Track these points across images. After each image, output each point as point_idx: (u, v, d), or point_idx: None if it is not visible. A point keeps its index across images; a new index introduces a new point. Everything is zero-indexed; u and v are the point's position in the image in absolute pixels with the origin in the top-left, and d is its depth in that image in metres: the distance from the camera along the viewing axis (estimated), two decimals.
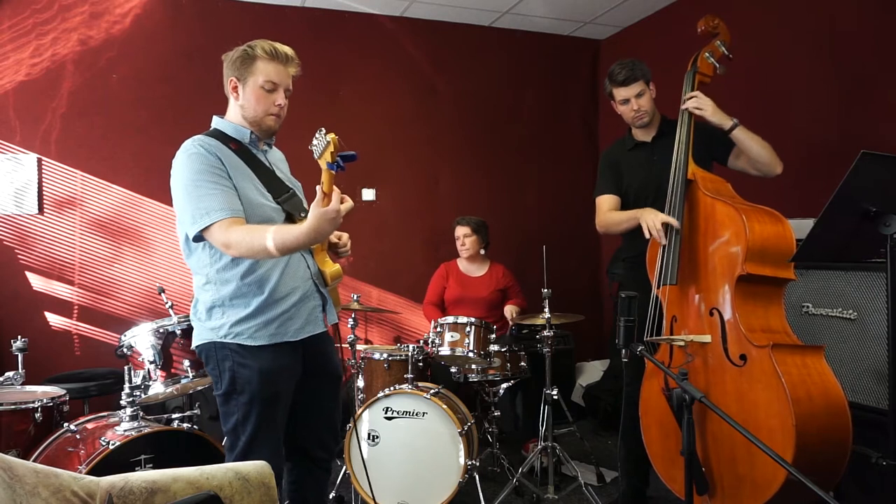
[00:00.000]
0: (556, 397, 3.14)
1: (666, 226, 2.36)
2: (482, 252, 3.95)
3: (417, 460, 2.95)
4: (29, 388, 2.74)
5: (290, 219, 2.02)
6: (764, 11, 3.62)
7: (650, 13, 4.48)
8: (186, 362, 2.64)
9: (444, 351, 3.23)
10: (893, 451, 1.93)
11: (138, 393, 2.54)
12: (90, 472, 2.08)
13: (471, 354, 3.19)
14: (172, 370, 2.65)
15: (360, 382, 3.37)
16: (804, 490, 1.37)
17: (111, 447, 2.24)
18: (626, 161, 2.79)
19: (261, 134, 2.08)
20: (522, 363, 3.45)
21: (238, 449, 2.01)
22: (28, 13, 3.80)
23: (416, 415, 2.98)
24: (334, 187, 1.79)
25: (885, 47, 3.03)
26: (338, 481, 3.16)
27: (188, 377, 2.64)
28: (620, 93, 2.67)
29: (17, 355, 2.81)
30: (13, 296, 3.76)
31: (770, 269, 2.15)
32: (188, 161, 1.92)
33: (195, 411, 2.74)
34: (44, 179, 3.83)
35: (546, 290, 3.10)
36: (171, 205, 2.00)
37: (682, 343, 2.27)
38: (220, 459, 2.35)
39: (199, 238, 1.92)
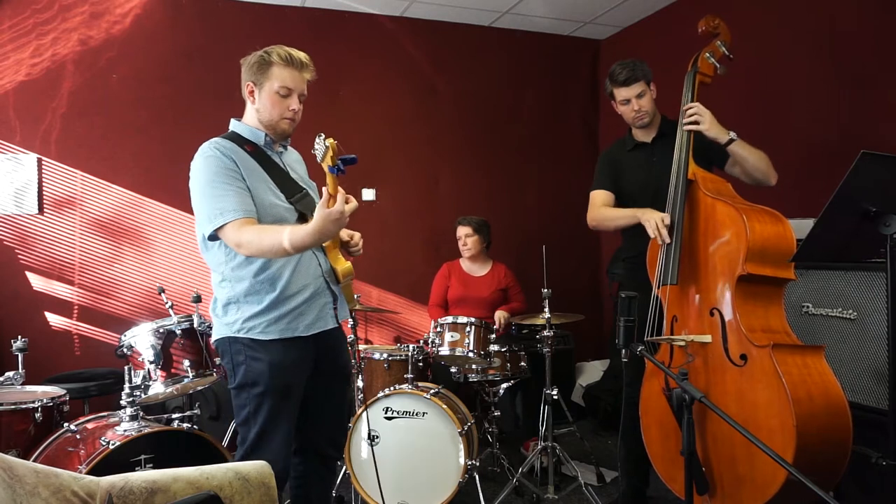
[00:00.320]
0: (556, 397, 3.14)
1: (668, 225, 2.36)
2: (484, 252, 3.95)
3: (417, 460, 2.95)
4: (29, 388, 2.74)
5: (303, 218, 2.07)
6: (764, 11, 3.62)
7: (650, 13, 4.48)
8: (186, 362, 2.65)
9: (444, 351, 3.23)
10: (893, 451, 1.93)
11: (138, 393, 2.54)
12: (90, 472, 2.08)
13: (471, 354, 3.19)
14: (172, 370, 2.65)
15: (360, 382, 3.36)
16: (804, 490, 1.37)
17: (111, 447, 2.24)
18: (626, 161, 2.78)
19: (275, 137, 2.14)
20: (522, 363, 3.45)
21: (248, 441, 2.06)
22: (28, 13, 3.80)
23: (416, 415, 2.98)
24: (339, 188, 1.83)
25: (885, 47, 3.03)
26: (338, 481, 3.16)
27: (188, 377, 2.64)
28: (621, 93, 2.67)
29: (17, 355, 2.80)
30: (13, 296, 3.75)
31: (770, 269, 2.15)
32: (205, 163, 2.00)
33: (195, 411, 2.74)
34: (44, 179, 3.83)
35: (546, 290, 3.10)
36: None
37: (682, 343, 2.27)
38: (221, 459, 2.35)
39: (214, 237, 2.00)
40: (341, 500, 3.13)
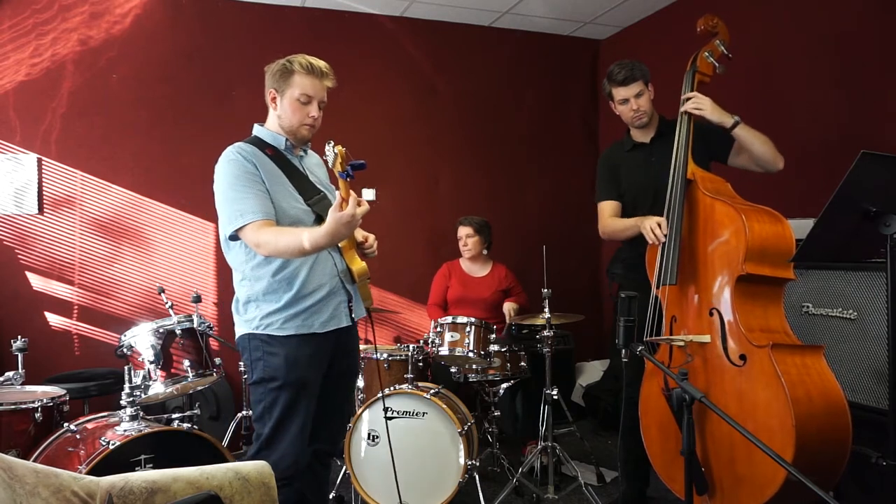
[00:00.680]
0: (556, 397, 3.14)
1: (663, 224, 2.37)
2: (485, 252, 3.95)
3: (417, 460, 2.95)
4: (29, 388, 2.74)
5: (320, 220, 2.12)
6: (764, 11, 3.62)
7: (650, 13, 4.48)
8: (186, 362, 2.65)
9: (444, 351, 3.23)
10: (893, 451, 1.93)
11: (138, 393, 2.54)
12: (90, 472, 2.08)
13: (471, 354, 3.19)
14: (172, 370, 2.65)
15: (360, 382, 3.37)
16: (804, 490, 1.37)
17: (111, 447, 2.24)
18: (625, 163, 2.79)
19: (295, 142, 2.23)
20: (522, 363, 3.45)
21: (264, 435, 2.12)
22: (28, 13, 3.80)
23: (416, 415, 2.99)
24: (351, 192, 1.90)
25: (885, 47, 3.02)
26: (338, 481, 3.16)
27: (188, 377, 2.65)
28: (620, 93, 2.67)
29: (17, 355, 2.81)
30: (13, 296, 3.75)
31: (769, 269, 2.15)
32: (227, 167, 2.10)
33: (195, 411, 2.75)
34: (44, 179, 3.83)
35: (546, 290, 3.10)
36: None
37: (681, 343, 2.27)
38: (221, 459, 2.35)
39: (234, 237, 2.10)
40: (341, 499, 3.13)
